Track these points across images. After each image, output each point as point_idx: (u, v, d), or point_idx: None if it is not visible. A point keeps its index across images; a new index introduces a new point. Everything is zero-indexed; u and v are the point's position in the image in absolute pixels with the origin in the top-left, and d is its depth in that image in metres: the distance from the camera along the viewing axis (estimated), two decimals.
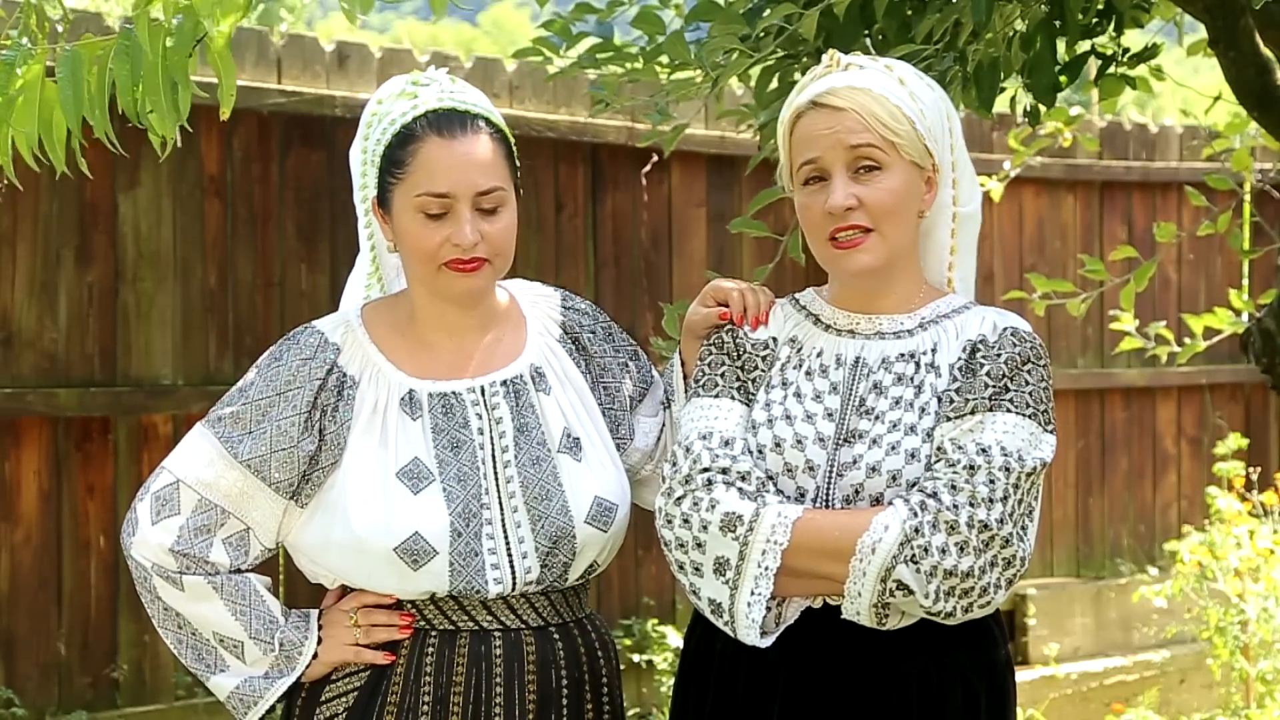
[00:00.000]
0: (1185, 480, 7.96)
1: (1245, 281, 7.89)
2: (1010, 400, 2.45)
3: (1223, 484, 6.93)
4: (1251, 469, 6.98)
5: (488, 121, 2.64)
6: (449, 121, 2.61)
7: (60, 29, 2.65)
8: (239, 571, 2.64)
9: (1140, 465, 7.86)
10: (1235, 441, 7.06)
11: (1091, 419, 7.70)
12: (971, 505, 2.38)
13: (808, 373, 2.56)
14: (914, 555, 2.36)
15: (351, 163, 2.71)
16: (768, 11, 3.05)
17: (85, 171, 2.70)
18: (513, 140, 2.68)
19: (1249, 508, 6.68)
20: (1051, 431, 2.48)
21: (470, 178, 2.58)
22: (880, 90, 2.49)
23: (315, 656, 2.63)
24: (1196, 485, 7.84)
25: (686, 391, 2.68)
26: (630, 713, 6.19)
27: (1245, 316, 4.60)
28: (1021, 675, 6.94)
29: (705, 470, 2.49)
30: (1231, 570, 6.43)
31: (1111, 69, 3.58)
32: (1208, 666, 6.82)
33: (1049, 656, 7.22)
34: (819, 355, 2.57)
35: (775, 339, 2.61)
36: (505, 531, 2.61)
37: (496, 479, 2.63)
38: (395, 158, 2.61)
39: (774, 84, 3.39)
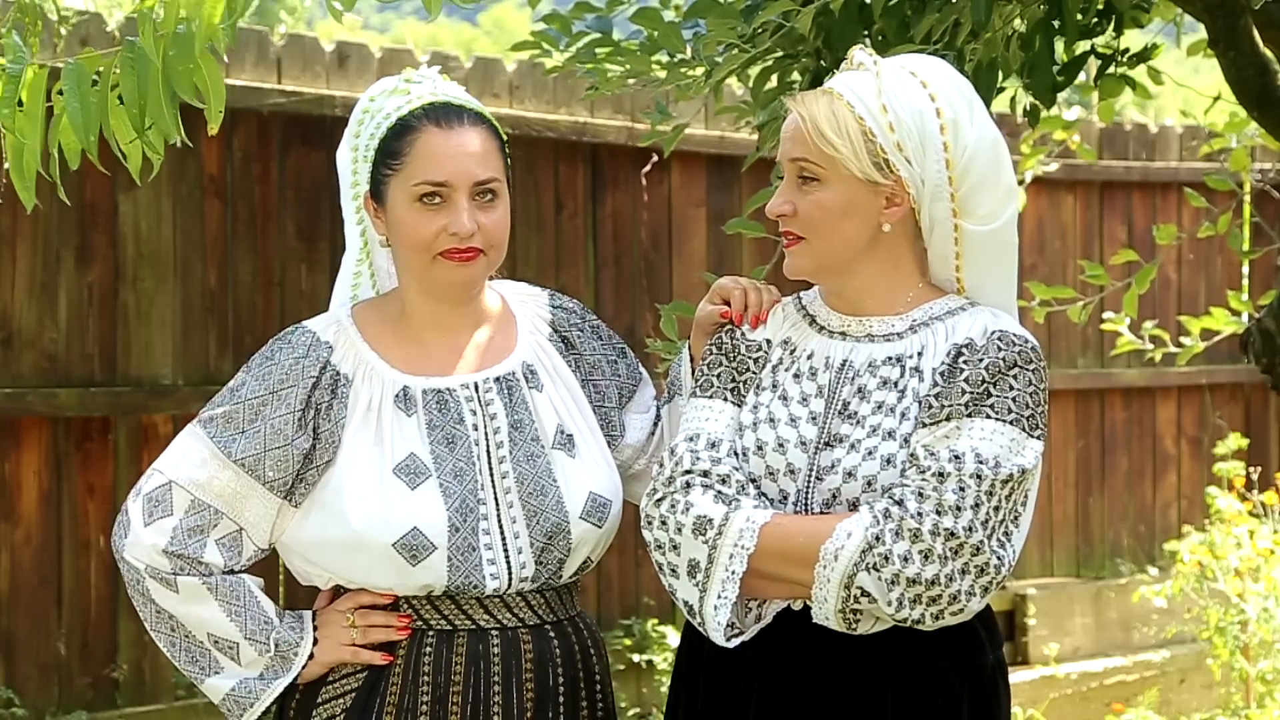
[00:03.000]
0: (1185, 480, 7.95)
1: (1245, 282, 7.88)
2: (991, 406, 2.41)
3: (1223, 484, 6.93)
4: (1251, 469, 6.98)
5: (480, 116, 2.67)
6: (446, 113, 2.63)
7: (62, 31, 2.65)
8: (232, 572, 2.64)
9: (1140, 465, 7.86)
10: (1235, 441, 7.05)
11: (1091, 419, 7.70)
12: (938, 513, 2.35)
13: (796, 375, 2.55)
14: (875, 563, 2.35)
15: (339, 162, 2.72)
16: (764, 9, 3.05)
17: (64, 198, 2.70)
18: (504, 137, 2.70)
19: (1249, 508, 6.68)
20: (1038, 437, 2.44)
21: (468, 167, 2.60)
22: (850, 98, 2.45)
23: (311, 657, 2.63)
24: (1196, 485, 7.84)
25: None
26: (630, 713, 6.19)
27: (1245, 317, 4.60)
28: (1021, 675, 6.94)
29: (686, 473, 2.49)
30: (1231, 570, 6.43)
31: (1111, 69, 3.58)
32: (1208, 666, 6.82)
33: (1049, 656, 7.22)
34: (809, 357, 2.56)
35: (769, 340, 2.61)
36: (501, 527, 2.61)
37: (492, 475, 2.63)
38: (391, 149, 2.62)
39: (771, 83, 3.39)
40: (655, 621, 6.39)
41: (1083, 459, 7.69)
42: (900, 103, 2.46)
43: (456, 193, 2.60)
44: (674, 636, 6.27)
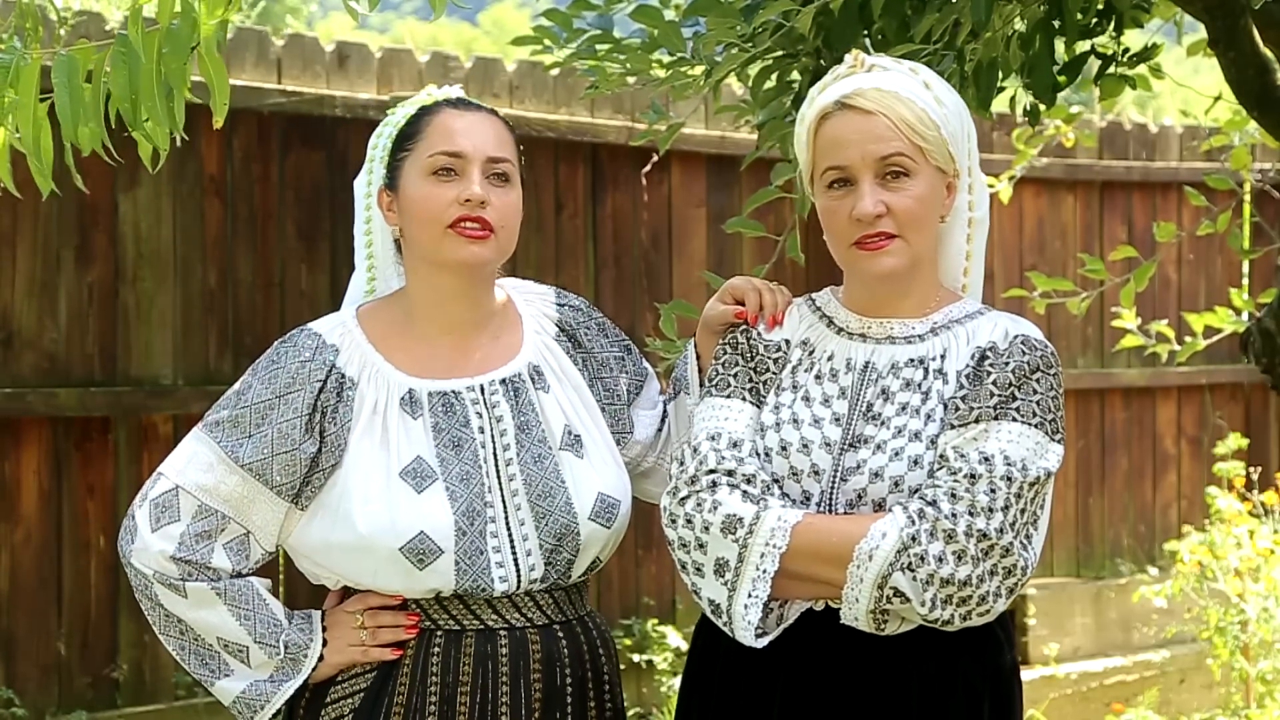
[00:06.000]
0: (1185, 480, 7.95)
1: (1245, 281, 7.89)
2: (1017, 409, 2.43)
3: (1223, 484, 6.93)
4: (1251, 469, 6.98)
5: (496, 114, 2.72)
6: (462, 102, 2.70)
7: (61, 32, 2.64)
8: (240, 575, 2.63)
9: (1140, 465, 7.86)
10: (1235, 441, 7.05)
11: (1091, 419, 7.70)
12: (971, 514, 2.37)
13: (817, 376, 2.55)
14: (910, 563, 2.36)
15: (357, 185, 2.76)
16: (764, 8, 3.05)
17: (80, 186, 2.70)
18: (519, 144, 2.74)
19: (1249, 508, 6.68)
20: (1059, 441, 2.47)
21: (484, 141, 2.64)
22: (908, 94, 2.47)
23: (321, 658, 2.63)
24: (1196, 485, 7.84)
25: (701, 387, 2.68)
26: (630, 713, 6.18)
27: (1245, 316, 4.60)
28: (1022, 675, 6.93)
29: (711, 472, 2.49)
30: (1231, 570, 6.43)
31: (1111, 69, 3.58)
32: (1208, 666, 6.82)
33: (1049, 656, 7.22)
34: (830, 359, 2.56)
35: (788, 341, 2.60)
36: (509, 529, 2.61)
37: (499, 477, 2.63)
38: (407, 133, 2.67)
39: (771, 82, 3.39)
40: (655, 621, 6.39)
41: (1083, 459, 7.69)
42: (944, 95, 2.52)
43: (470, 165, 2.62)
44: (674, 636, 6.27)
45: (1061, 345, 7.50)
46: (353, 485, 2.59)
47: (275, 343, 2.69)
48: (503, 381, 2.69)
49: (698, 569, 2.47)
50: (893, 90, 2.47)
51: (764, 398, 2.57)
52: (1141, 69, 3.66)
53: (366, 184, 2.73)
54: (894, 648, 2.44)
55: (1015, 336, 2.49)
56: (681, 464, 2.53)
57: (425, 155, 2.63)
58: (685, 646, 5.86)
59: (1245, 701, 6.54)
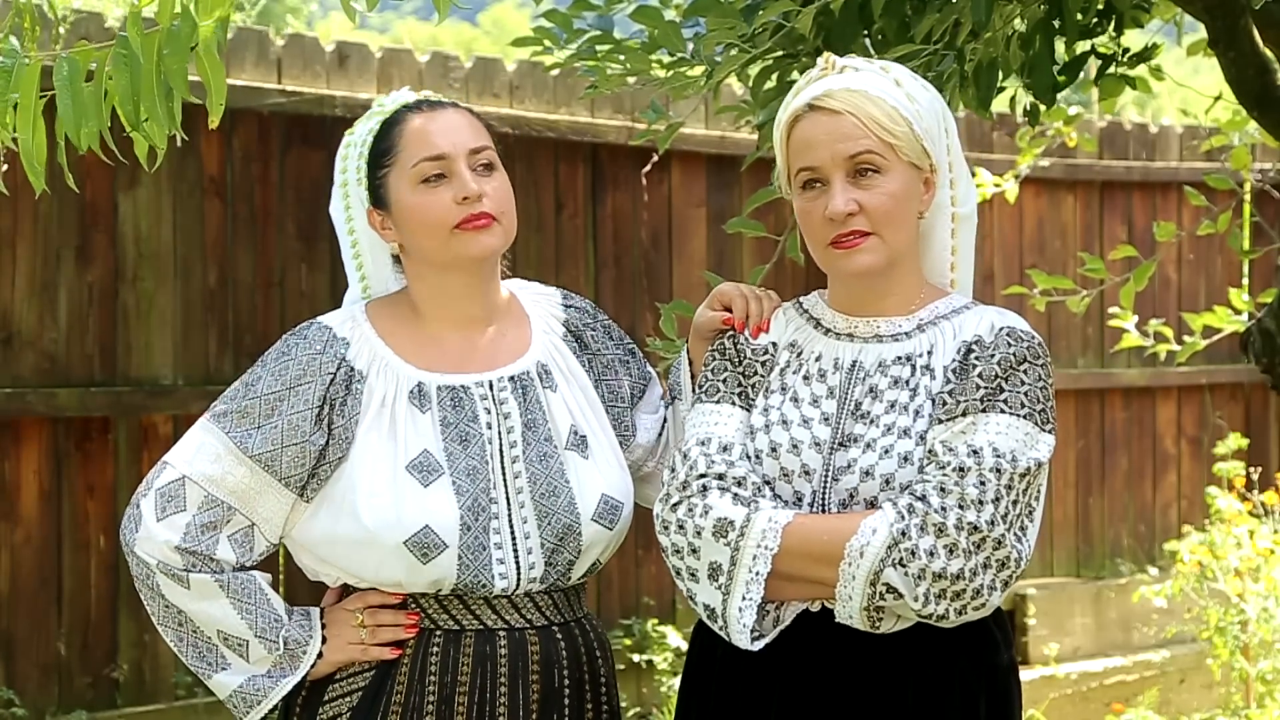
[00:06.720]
0: (1185, 480, 7.96)
1: (1245, 281, 7.89)
2: (1004, 401, 2.43)
3: (1223, 484, 6.93)
4: (1251, 469, 6.98)
5: (459, 105, 2.73)
6: (425, 104, 2.70)
7: (61, 31, 2.63)
8: (243, 568, 2.63)
9: (1140, 465, 7.86)
10: (1235, 441, 7.06)
11: (1091, 419, 7.70)
12: (961, 507, 2.37)
13: (805, 377, 2.56)
14: (901, 558, 2.36)
15: (333, 211, 2.75)
16: (764, 9, 3.05)
17: (72, 185, 2.70)
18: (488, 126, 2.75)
19: (1249, 508, 6.68)
20: (1050, 431, 2.47)
21: (460, 137, 2.65)
22: (877, 92, 2.48)
23: (320, 656, 2.63)
24: (1196, 485, 7.84)
25: (693, 393, 2.69)
26: (630, 713, 6.18)
27: (1245, 316, 4.60)
28: (1022, 675, 6.92)
29: (701, 476, 2.49)
30: (1231, 570, 6.44)
31: (1111, 69, 3.58)
32: (1208, 666, 6.83)
33: (1049, 656, 7.22)
34: (818, 360, 2.57)
35: (775, 344, 2.61)
36: (511, 527, 2.62)
37: (504, 474, 2.64)
38: (381, 149, 2.66)
39: (771, 82, 3.39)
40: (655, 621, 6.39)
41: (1083, 459, 7.69)
42: (915, 91, 2.51)
43: (455, 163, 2.63)
44: (674, 636, 6.27)
45: (1061, 345, 7.50)
46: (359, 478, 2.59)
47: (284, 335, 2.69)
48: (511, 379, 2.69)
49: (692, 574, 2.47)
50: (861, 89, 2.48)
51: (753, 401, 2.57)
52: (1141, 69, 3.66)
53: (345, 209, 2.72)
54: (890, 647, 2.44)
55: (1001, 329, 2.49)
56: (673, 470, 2.53)
57: (409, 166, 2.63)
58: (685, 647, 5.87)
59: (1245, 701, 6.54)
